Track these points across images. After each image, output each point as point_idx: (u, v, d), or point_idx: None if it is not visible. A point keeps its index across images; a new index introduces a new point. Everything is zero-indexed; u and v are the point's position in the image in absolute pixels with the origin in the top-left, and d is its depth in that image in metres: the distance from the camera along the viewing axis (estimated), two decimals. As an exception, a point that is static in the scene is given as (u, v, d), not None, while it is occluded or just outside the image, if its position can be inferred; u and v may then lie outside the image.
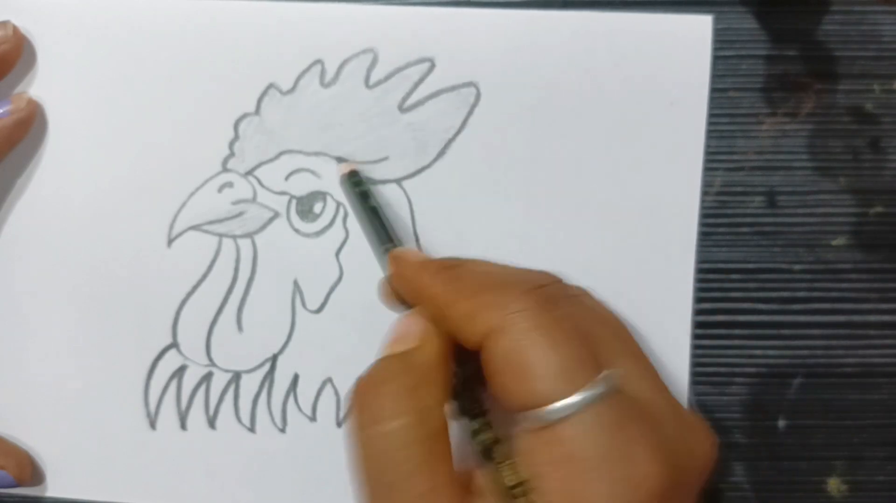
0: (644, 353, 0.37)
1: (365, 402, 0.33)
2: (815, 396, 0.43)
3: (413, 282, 0.36)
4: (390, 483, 0.32)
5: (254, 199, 0.44)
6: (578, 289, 0.41)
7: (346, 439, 0.34)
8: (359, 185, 0.42)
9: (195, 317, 0.44)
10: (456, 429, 0.34)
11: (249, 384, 0.44)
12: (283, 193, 0.44)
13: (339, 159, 0.44)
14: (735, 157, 0.43)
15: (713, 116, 0.43)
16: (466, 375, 0.35)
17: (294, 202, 0.44)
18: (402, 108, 0.44)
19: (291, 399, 0.44)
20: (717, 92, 0.43)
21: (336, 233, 0.44)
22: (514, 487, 0.31)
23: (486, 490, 0.33)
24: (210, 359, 0.44)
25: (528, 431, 0.32)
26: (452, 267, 0.36)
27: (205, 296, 0.44)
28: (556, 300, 0.33)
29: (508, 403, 0.32)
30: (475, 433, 0.34)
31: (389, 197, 0.44)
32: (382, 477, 0.32)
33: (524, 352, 0.31)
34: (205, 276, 0.44)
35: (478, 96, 0.44)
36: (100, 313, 0.44)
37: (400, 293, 0.38)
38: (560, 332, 0.32)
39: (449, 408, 0.34)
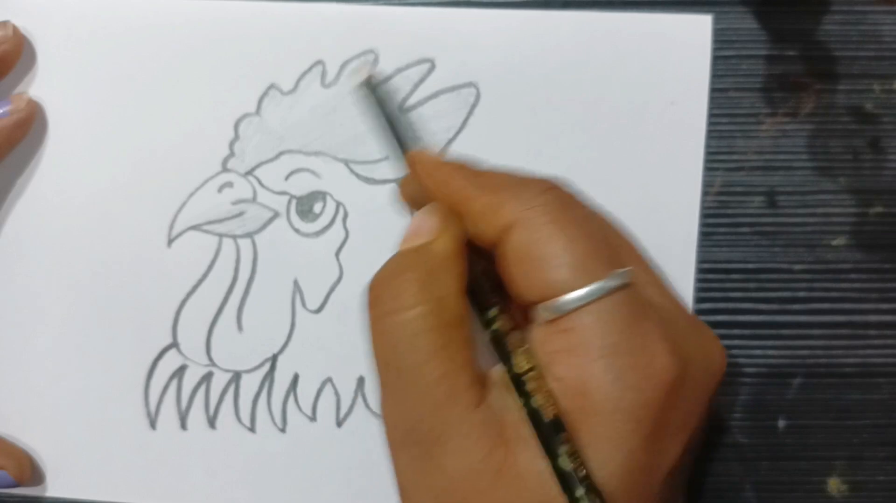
0: (655, 270, 0.38)
1: (382, 292, 0.34)
2: (815, 396, 0.43)
3: (432, 177, 0.36)
4: (408, 368, 0.32)
5: (254, 199, 0.44)
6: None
7: (364, 330, 0.34)
8: (376, 91, 0.42)
9: (195, 316, 0.44)
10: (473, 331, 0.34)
11: (249, 384, 0.44)
12: (283, 193, 0.44)
13: (356, 65, 0.44)
14: (735, 157, 0.43)
15: (713, 116, 0.43)
16: (479, 270, 0.35)
17: (294, 202, 0.44)
18: (403, 109, 0.44)
19: (291, 399, 0.44)
20: (717, 92, 0.43)
21: (336, 233, 0.44)
22: (525, 373, 0.32)
23: (501, 380, 0.33)
24: (210, 358, 0.44)
25: (543, 322, 0.32)
26: (473, 166, 0.36)
27: (205, 296, 0.44)
28: (574, 199, 0.34)
29: (524, 295, 0.32)
30: (488, 323, 0.34)
31: (389, 197, 0.43)
32: (400, 363, 0.33)
33: (542, 244, 0.32)
34: (205, 276, 0.44)
35: (478, 97, 0.44)
36: (100, 313, 0.44)
37: (419, 191, 0.38)
38: (577, 228, 0.32)
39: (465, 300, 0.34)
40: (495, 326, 0.34)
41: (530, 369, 0.32)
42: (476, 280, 0.35)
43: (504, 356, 0.33)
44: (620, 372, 0.31)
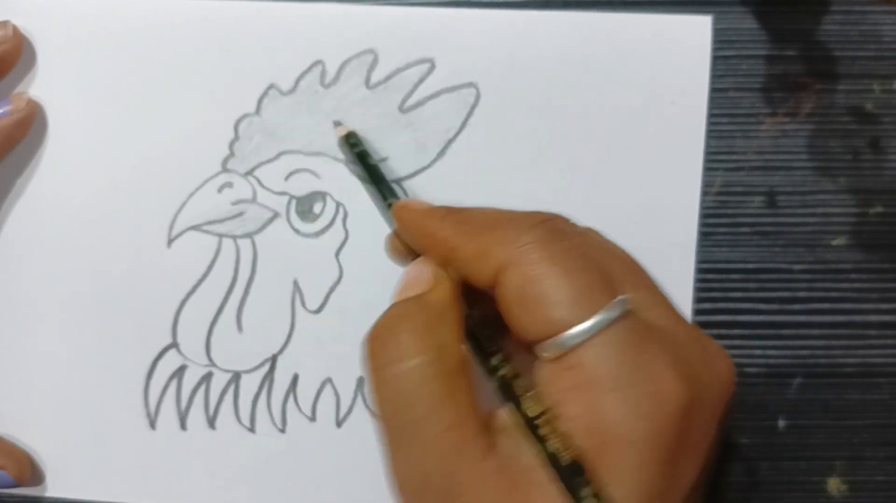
0: (654, 282, 0.37)
1: (382, 343, 0.33)
2: (815, 396, 0.43)
3: (420, 229, 0.36)
4: (414, 419, 0.32)
5: (254, 200, 0.44)
6: (587, 227, 0.41)
7: (366, 385, 0.34)
8: (356, 146, 0.42)
9: (195, 317, 0.44)
10: (474, 376, 0.34)
11: (249, 384, 0.44)
12: (282, 193, 0.44)
13: (336, 123, 0.44)
14: (735, 157, 0.43)
15: (713, 116, 0.43)
16: (478, 317, 0.35)
17: (294, 202, 0.44)
18: (403, 109, 0.44)
19: (291, 399, 0.44)
20: (717, 92, 0.43)
21: (336, 233, 0.44)
22: (536, 417, 0.31)
23: (509, 424, 0.33)
24: (210, 359, 0.44)
25: (548, 361, 0.32)
26: (458, 211, 0.36)
27: (205, 296, 0.44)
28: (563, 232, 0.34)
29: (526, 335, 0.32)
30: (493, 370, 0.34)
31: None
32: (406, 414, 0.32)
33: (538, 282, 0.31)
34: (205, 276, 0.44)
35: (477, 97, 0.44)
36: (100, 313, 0.44)
37: (408, 244, 0.38)
38: (571, 261, 0.32)
39: (465, 347, 0.34)
40: (501, 373, 0.33)
41: (541, 413, 0.32)
42: (476, 326, 0.35)
43: (514, 403, 0.33)
44: (631, 403, 0.30)
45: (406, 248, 0.38)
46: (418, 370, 0.32)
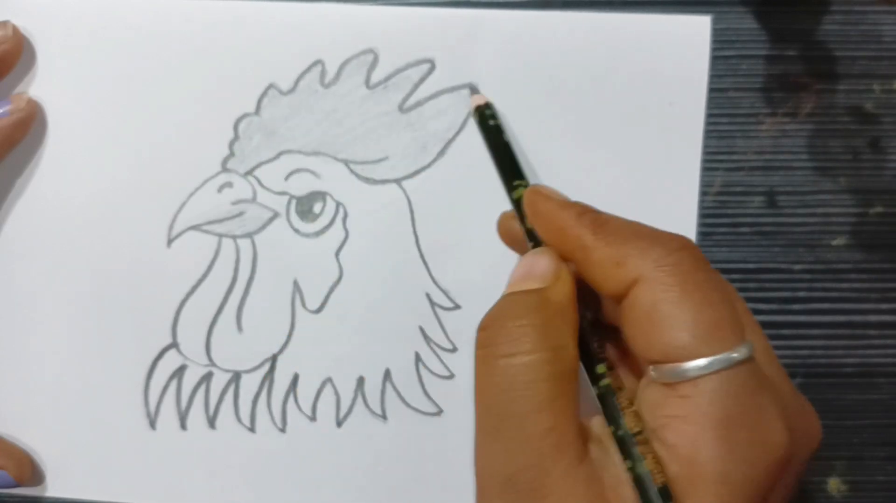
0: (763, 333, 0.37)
1: (497, 334, 0.33)
2: (815, 396, 0.43)
3: (555, 220, 0.35)
4: (518, 414, 0.31)
5: (253, 199, 0.44)
6: None
7: (472, 368, 0.33)
8: (493, 119, 0.42)
9: (195, 317, 0.44)
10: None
11: (249, 384, 0.44)
12: (282, 193, 0.44)
13: (472, 89, 0.44)
14: (735, 157, 0.43)
15: (713, 116, 0.43)
16: (590, 320, 0.35)
17: (294, 202, 0.44)
18: (403, 109, 0.44)
19: (291, 399, 0.44)
20: (716, 92, 0.43)
21: (336, 233, 0.44)
22: (635, 434, 0.31)
23: (604, 434, 0.32)
24: (210, 359, 0.44)
25: (661, 383, 0.31)
26: (595, 212, 0.35)
27: (205, 296, 0.44)
28: (704, 261, 0.33)
29: (645, 353, 0.32)
30: (597, 378, 0.33)
31: (389, 197, 0.43)
32: (507, 409, 0.31)
33: (669, 306, 0.31)
34: (204, 276, 0.44)
35: (478, 96, 0.44)
36: (100, 313, 0.44)
37: (529, 230, 0.37)
38: (705, 293, 0.31)
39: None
40: (604, 382, 0.33)
41: (639, 432, 0.31)
42: (584, 331, 0.34)
43: (613, 415, 0.32)
44: (735, 445, 0.30)
45: (523, 232, 0.38)
46: (533, 367, 0.31)
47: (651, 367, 0.32)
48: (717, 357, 0.30)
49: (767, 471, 0.30)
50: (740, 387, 0.30)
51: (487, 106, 0.42)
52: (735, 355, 0.30)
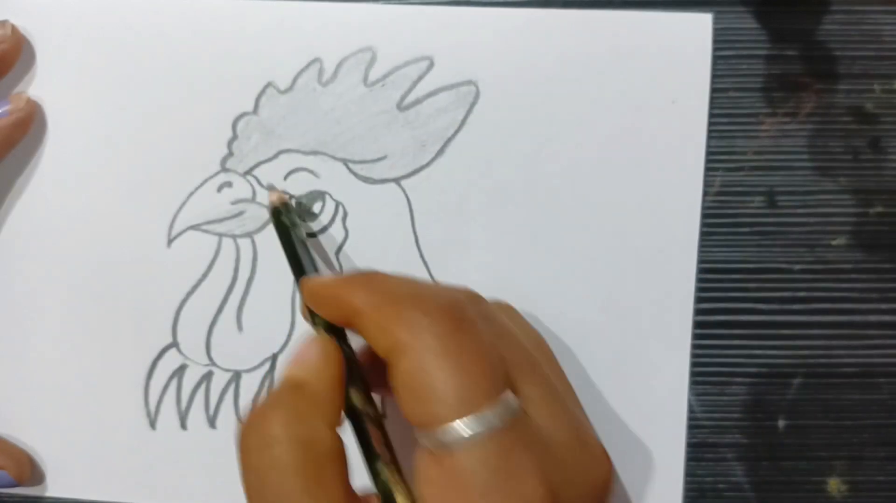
0: (556, 376, 0.37)
1: (254, 426, 0.33)
2: (815, 396, 0.43)
3: (328, 291, 0.36)
4: None
5: (253, 199, 0.44)
6: (500, 304, 0.41)
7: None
8: (287, 216, 0.42)
9: (195, 316, 0.44)
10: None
11: (250, 383, 0.44)
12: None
13: (269, 186, 0.44)
14: (735, 157, 0.43)
15: (713, 116, 0.43)
16: (373, 415, 0.35)
17: (293, 201, 0.44)
18: (401, 107, 0.44)
19: (291, 398, 0.44)
20: (717, 92, 0.43)
21: (335, 232, 0.44)
22: None
23: None
24: (210, 358, 0.44)
25: (426, 451, 0.32)
26: (368, 277, 0.35)
27: (205, 295, 0.44)
28: (467, 319, 0.33)
29: (408, 419, 0.32)
30: (375, 474, 0.33)
31: (388, 196, 0.43)
32: (266, 500, 0.32)
33: (425, 373, 0.31)
34: (205, 276, 0.44)
35: (477, 95, 0.43)
36: (100, 313, 0.44)
37: (317, 314, 0.37)
38: (464, 355, 0.32)
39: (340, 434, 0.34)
40: (383, 478, 0.33)
41: None
42: (362, 425, 0.35)
43: None
44: None
45: (311, 323, 0.38)
46: (284, 459, 0.32)
47: (416, 433, 0.32)
48: (466, 422, 0.30)
49: None
50: (494, 453, 0.31)
51: (284, 205, 0.42)
52: (485, 417, 0.31)
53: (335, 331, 0.36)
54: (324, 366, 0.34)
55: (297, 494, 0.31)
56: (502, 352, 0.34)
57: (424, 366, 0.31)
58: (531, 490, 0.31)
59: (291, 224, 0.41)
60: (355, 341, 0.36)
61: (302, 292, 0.37)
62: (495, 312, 0.37)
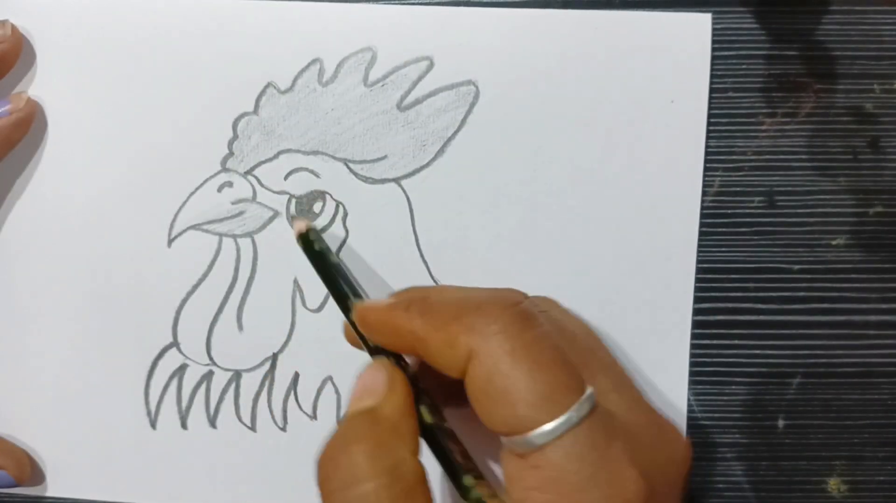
0: (616, 362, 0.37)
1: (335, 464, 0.32)
2: (815, 396, 0.43)
3: (387, 324, 0.35)
4: None
5: (253, 199, 0.44)
6: (545, 300, 0.41)
7: None
8: (318, 243, 0.41)
9: (195, 316, 0.44)
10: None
11: (250, 383, 0.44)
12: (282, 193, 0.44)
13: (293, 216, 0.44)
14: (734, 157, 0.43)
15: (713, 116, 0.43)
16: (450, 431, 0.35)
17: (294, 201, 0.44)
18: (401, 107, 0.44)
19: (292, 398, 0.44)
20: (716, 92, 0.43)
21: (336, 232, 0.44)
22: None
23: None
24: (210, 358, 0.44)
25: (514, 455, 0.32)
26: (423, 299, 0.35)
27: (205, 295, 0.44)
28: (531, 317, 0.33)
29: (493, 428, 0.32)
30: (466, 491, 0.33)
31: (388, 196, 0.43)
32: None
33: (502, 378, 0.31)
34: (205, 276, 0.44)
35: (477, 95, 0.43)
36: (100, 313, 0.44)
37: (375, 342, 0.37)
38: (540, 353, 0.31)
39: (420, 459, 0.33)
40: (475, 495, 0.33)
41: None
42: (443, 442, 0.34)
43: None
44: None
45: (367, 350, 0.37)
46: (372, 495, 0.31)
47: (502, 440, 0.32)
48: (558, 421, 0.30)
49: None
50: (588, 446, 0.30)
51: (311, 230, 0.41)
52: (574, 414, 0.30)
53: (390, 352, 0.36)
54: (392, 392, 0.34)
55: None
56: (568, 345, 0.34)
57: (501, 369, 0.31)
58: (627, 477, 0.31)
59: (324, 249, 0.41)
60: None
61: (353, 320, 0.37)
62: (546, 307, 0.37)
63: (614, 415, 0.33)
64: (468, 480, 0.33)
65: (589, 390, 0.31)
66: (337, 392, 0.44)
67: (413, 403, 0.34)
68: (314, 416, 0.44)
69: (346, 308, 0.38)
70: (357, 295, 0.38)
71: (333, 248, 0.44)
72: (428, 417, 0.34)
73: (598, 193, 0.43)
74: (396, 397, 0.34)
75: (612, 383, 0.34)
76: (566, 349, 0.33)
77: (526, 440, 0.30)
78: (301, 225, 0.42)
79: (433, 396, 0.36)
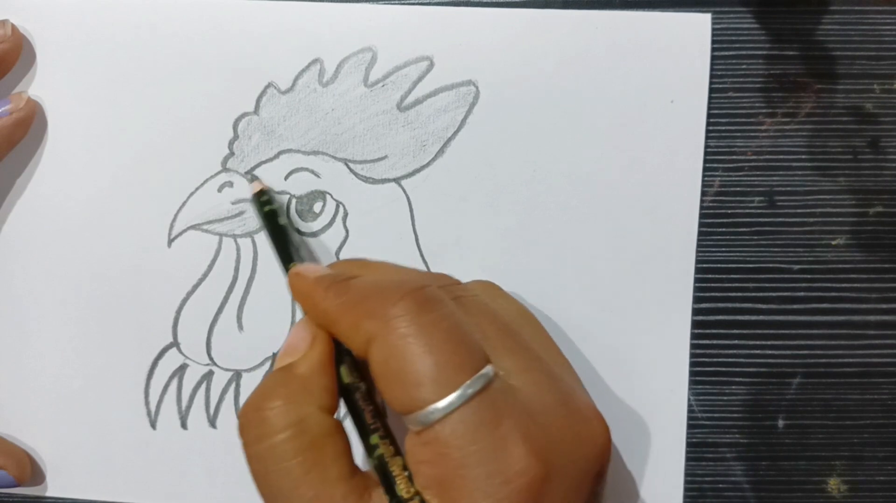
0: (543, 345, 0.38)
1: (249, 420, 0.34)
2: (815, 396, 0.43)
3: (308, 297, 0.36)
4: (281, 493, 0.33)
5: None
6: (480, 283, 0.41)
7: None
8: (268, 204, 0.42)
9: (196, 316, 0.44)
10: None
11: (250, 383, 0.44)
12: (282, 193, 0.44)
13: (251, 176, 0.44)
14: (734, 157, 0.43)
15: (713, 116, 0.43)
16: (365, 389, 0.35)
17: (294, 201, 0.44)
18: (401, 107, 0.44)
19: (292, 398, 0.44)
20: (716, 92, 0.43)
21: (336, 231, 0.44)
22: (410, 499, 0.32)
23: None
24: (210, 358, 0.44)
25: (413, 433, 0.32)
26: (344, 280, 0.36)
27: (205, 295, 0.44)
28: (436, 300, 0.33)
29: (392, 407, 0.33)
30: (371, 449, 0.34)
31: (389, 196, 0.43)
32: (273, 488, 0.33)
33: (401, 358, 0.32)
34: (205, 276, 0.44)
35: (477, 95, 0.44)
36: (100, 313, 0.44)
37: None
38: (436, 334, 0.32)
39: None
40: (378, 453, 0.34)
41: (416, 493, 0.32)
42: (356, 403, 0.35)
43: (388, 484, 0.33)
44: (478, 481, 0.30)
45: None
46: (281, 447, 0.33)
47: (403, 419, 0.33)
48: (449, 398, 0.31)
49: (516, 499, 0.31)
50: (477, 421, 0.31)
51: (263, 193, 0.43)
52: (466, 391, 0.31)
53: None
54: (311, 350, 0.35)
55: (300, 479, 0.32)
56: (477, 328, 0.34)
57: (396, 351, 0.32)
58: (518, 456, 0.31)
59: (275, 210, 0.42)
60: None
61: (290, 287, 0.38)
62: (469, 291, 0.37)
63: (515, 394, 0.33)
64: (374, 439, 0.34)
65: (486, 369, 0.32)
66: (337, 392, 0.44)
67: (332, 362, 0.35)
68: (314, 416, 0.44)
69: (287, 270, 0.39)
70: (302, 259, 0.40)
71: (333, 247, 0.44)
72: (346, 377, 0.35)
73: (597, 193, 0.43)
74: (313, 355, 0.35)
75: (522, 364, 0.34)
76: (470, 330, 0.33)
77: (418, 418, 0.31)
78: (257, 185, 0.43)
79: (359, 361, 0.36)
